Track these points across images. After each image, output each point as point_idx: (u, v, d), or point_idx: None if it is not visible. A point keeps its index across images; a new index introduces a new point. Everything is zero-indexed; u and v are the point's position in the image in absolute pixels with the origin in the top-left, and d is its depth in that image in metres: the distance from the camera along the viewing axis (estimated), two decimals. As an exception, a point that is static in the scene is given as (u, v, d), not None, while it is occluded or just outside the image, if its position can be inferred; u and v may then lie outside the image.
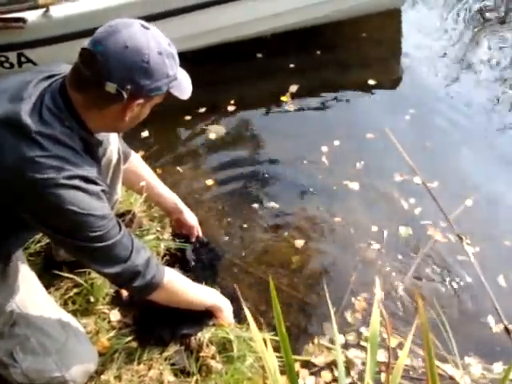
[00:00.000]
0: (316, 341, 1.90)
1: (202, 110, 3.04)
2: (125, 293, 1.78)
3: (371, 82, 3.25)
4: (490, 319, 2.00)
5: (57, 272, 1.74)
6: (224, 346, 1.67)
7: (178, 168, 2.66)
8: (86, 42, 1.17)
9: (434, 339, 1.77)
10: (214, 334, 1.66)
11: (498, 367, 1.83)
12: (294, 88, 3.17)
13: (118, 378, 1.57)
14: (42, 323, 1.42)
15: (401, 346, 1.86)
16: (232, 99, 3.10)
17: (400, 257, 2.22)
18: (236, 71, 3.31)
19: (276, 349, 1.17)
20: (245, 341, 1.68)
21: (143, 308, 1.69)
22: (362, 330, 1.93)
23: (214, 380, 1.60)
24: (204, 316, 1.66)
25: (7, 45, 2.71)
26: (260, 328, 1.42)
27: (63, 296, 1.74)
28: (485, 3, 4.05)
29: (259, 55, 3.42)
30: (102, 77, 1.14)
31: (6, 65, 2.79)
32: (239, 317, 1.74)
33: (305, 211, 2.43)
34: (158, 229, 2.05)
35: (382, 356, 1.76)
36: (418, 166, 2.59)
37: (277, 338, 1.11)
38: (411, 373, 1.81)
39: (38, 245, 1.85)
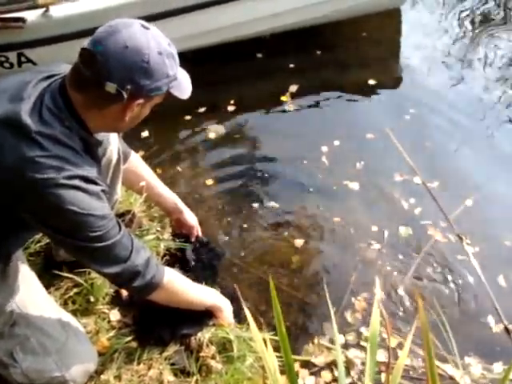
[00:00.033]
0: (316, 341, 1.90)
1: (202, 109, 3.04)
2: (125, 293, 1.78)
3: (371, 81, 3.25)
4: (490, 319, 2.00)
5: (57, 272, 1.74)
6: (224, 346, 1.67)
7: (178, 168, 2.66)
8: (85, 42, 1.17)
9: (434, 339, 1.77)
10: (214, 333, 1.66)
11: (498, 367, 1.83)
12: (293, 88, 3.17)
13: (118, 377, 1.57)
14: (41, 323, 1.42)
15: (401, 345, 1.86)
16: (232, 99, 3.10)
17: (400, 257, 2.22)
18: (236, 71, 3.31)
19: (276, 349, 1.17)
20: (245, 341, 1.68)
21: (143, 308, 1.69)
22: (362, 329, 1.93)
23: (214, 380, 1.60)
24: (204, 316, 1.66)
25: (7, 45, 2.71)
26: (260, 328, 1.42)
27: (63, 296, 1.74)
28: (485, 3, 4.05)
29: (259, 55, 3.42)
30: (101, 77, 1.14)
31: (6, 65, 2.79)
32: (239, 317, 1.74)
33: (305, 211, 2.43)
34: (158, 229, 2.05)
35: (381, 356, 1.76)
36: (418, 165, 2.59)
37: (277, 338, 1.11)
38: (411, 373, 1.81)
39: (38, 245, 1.84)
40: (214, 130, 2.90)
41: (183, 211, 1.95)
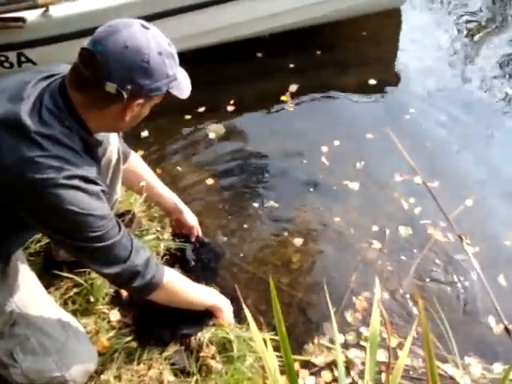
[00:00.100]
0: (316, 341, 1.90)
1: (202, 109, 3.04)
2: (124, 293, 1.78)
3: (371, 81, 3.25)
4: (490, 319, 2.00)
5: (57, 272, 1.74)
6: (224, 346, 1.67)
7: (178, 168, 2.66)
8: (85, 42, 1.17)
9: (434, 339, 1.77)
10: (214, 333, 1.66)
11: (498, 367, 1.83)
12: (293, 88, 3.17)
13: (118, 377, 1.57)
14: (41, 323, 1.42)
15: (401, 345, 1.86)
16: (231, 99, 3.10)
17: (400, 257, 2.22)
18: (235, 71, 3.31)
19: (276, 349, 1.17)
20: (245, 341, 1.68)
21: (143, 308, 1.69)
22: (362, 329, 1.93)
23: (214, 380, 1.60)
24: (204, 316, 1.66)
25: (7, 44, 2.71)
26: (260, 328, 1.42)
27: (63, 296, 1.74)
28: (484, 3, 4.05)
29: (258, 55, 3.42)
30: (101, 77, 1.14)
31: (6, 64, 2.79)
32: (239, 317, 1.74)
33: (305, 211, 2.43)
34: (158, 229, 2.05)
35: (382, 356, 1.76)
36: (418, 165, 2.59)
37: (277, 338, 1.11)
38: (411, 373, 1.81)
39: (38, 245, 1.84)
40: (214, 130, 2.90)
41: (183, 211, 1.95)
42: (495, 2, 4.06)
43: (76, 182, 1.17)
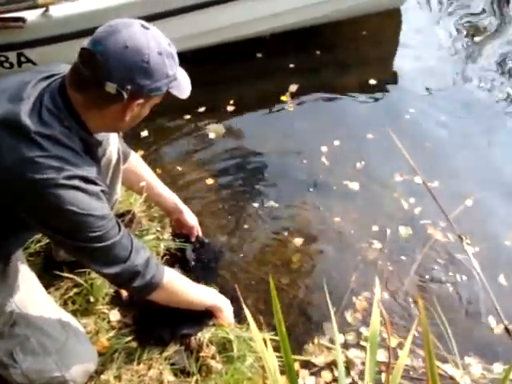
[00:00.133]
0: (316, 341, 1.90)
1: (202, 109, 3.04)
2: (124, 293, 1.78)
3: (371, 81, 3.25)
4: (491, 319, 2.00)
5: (57, 272, 1.74)
6: (224, 346, 1.67)
7: (178, 167, 2.66)
8: (85, 42, 1.17)
9: (434, 339, 1.77)
10: (214, 333, 1.66)
11: (498, 367, 1.83)
12: (293, 88, 3.16)
13: (118, 377, 1.57)
14: (41, 323, 1.42)
15: (401, 345, 1.86)
16: (231, 99, 3.10)
17: (400, 257, 2.22)
18: (235, 71, 3.31)
19: (276, 349, 1.17)
20: (245, 341, 1.68)
21: (143, 308, 1.69)
22: (362, 329, 1.93)
23: (214, 380, 1.60)
24: (204, 316, 1.66)
25: (7, 44, 2.71)
26: (260, 328, 1.42)
27: (63, 296, 1.75)
28: (484, 3, 4.05)
29: (259, 55, 3.42)
30: (101, 77, 1.14)
31: (6, 65, 2.79)
32: (239, 317, 1.74)
33: (305, 211, 2.43)
34: (158, 229, 2.05)
35: (382, 356, 1.76)
36: (418, 165, 2.59)
37: (277, 338, 1.11)
38: (411, 373, 1.81)
39: (38, 245, 1.85)
40: (214, 130, 2.90)
41: (183, 211, 1.95)
42: (495, 2, 4.05)
43: (76, 182, 1.17)
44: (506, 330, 1.96)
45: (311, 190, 2.54)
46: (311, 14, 3.22)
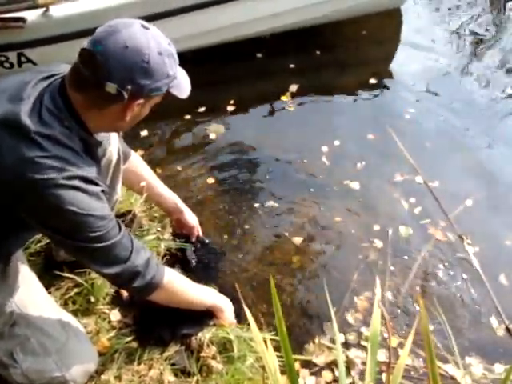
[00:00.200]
0: (316, 340, 1.90)
1: (202, 109, 3.04)
2: (125, 293, 1.78)
3: (371, 81, 3.25)
4: (491, 319, 2.00)
5: (57, 272, 1.73)
6: (224, 346, 1.67)
7: (178, 167, 2.66)
8: (85, 42, 1.17)
9: (434, 339, 1.77)
10: (215, 334, 1.66)
11: (500, 367, 1.83)
12: (293, 88, 3.16)
13: (118, 377, 1.57)
14: (42, 323, 1.42)
15: (402, 345, 1.86)
16: (232, 99, 3.10)
17: (401, 256, 2.22)
18: (235, 71, 3.31)
19: (276, 348, 1.17)
20: (245, 341, 1.67)
21: (143, 308, 1.69)
22: (363, 329, 1.93)
23: (215, 380, 1.60)
24: (204, 316, 1.66)
25: (7, 44, 2.70)
26: (260, 328, 1.41)
27: (63, 296, 1.74)
28: (485, 3, 4.05)
29: (259, 55, 3.42)
30: (102, 77, 1.14)
31: (6, 65, 2.79)
32: (239, 317, 1.74)
33: (305, 211, 2.43)
34: (159, 229, 2.05)
35: (382, 356, 1.76)
36: (418, 165, 2.59)
37: (277, 338, 1.11)
38: (412, 373, 1.81)
39: (39, 245, 1.84)
40: (214, 130, 2.90)
41: (183, 211, 1.95)
42: (495, 1, 4.05)
43: (76, 183, 1.17)
44: (507, 329, 1.96)
45: (311, 189, 2.53)
46: (311, 13, 3.22)
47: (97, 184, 1.23)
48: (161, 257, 1.95)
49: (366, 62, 3.46)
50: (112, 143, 1.58)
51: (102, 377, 1.56)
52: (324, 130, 2.89)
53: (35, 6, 2.61)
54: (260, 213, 2.41)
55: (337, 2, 3.25)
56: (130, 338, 1.65)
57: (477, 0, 4.08)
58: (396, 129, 2.77)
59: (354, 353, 1.85)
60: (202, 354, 1.62)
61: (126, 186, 1.87)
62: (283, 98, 3.11)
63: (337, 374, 1.77)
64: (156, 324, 1.65)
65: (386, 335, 1.76)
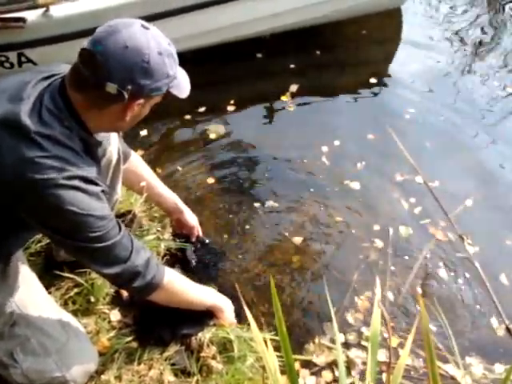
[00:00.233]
0: (317, 340, 1.90)
1: (202, 109, 3.04)
2: (125, 293, 1.78)
3: (371, 81, 3.25)
4: (492, 319, 2.00)
5: (57, 272, 1.73)
6: (225, 346, 1.66)
7: (178, 167, 2.66)
8: (85, 42, 1.17)
9: (435, 339, 1.77)
10: (215, 334, 1.66)
11: (500, 367, 1.83)
12: (294, 88, 3.16)
13: (119, 378, 1.57)
14: (42, 323, 1.42)
15: (402, 345, 1.85)
16: (232, 99, 3.10)
17: (401, 256, 2.22)
18: (235, 71, 3.31)
19: (276, 348, 1.17)
20: (245, 341, 1.67)
21: (143, 308, 1.69)
22: (363, 329, 1.93)
23: (215, 380, 1.60)
24: (204, 316, 1.66)
25: (7, 44, 2.70)
26: (260, 328, 1.41)
27: (63, 296, 1.74)
28: (486, 3, 4.05)
29: (259, 55, 3.42)
30: (102, 77, 1.14)
31: (6, 65, 2.79)
32: (240, 316, 1.74)
33: (305, 211, 2.43)
34: (159, 229, 2.05)
35: (382, 356, 1.76)
36: (418, 165, 2.59)
37: (277, 338, 1.11)
38: (412, 373, 1.81)
39: (39, 245, 1.84)
40: (214, 130, 2.90)
41: (183, 211, 1.95)
42: (495, 1, 4.05)
43: (76, 183, 1.17)
44: (508, 329, 1.96)
45: (311, 189, 2.53)
46: (311, 13, 3.22)
47: (97, 184, 1.23)
48: (161, 257, 1.95)
49: (366, 61, 3.46)
50: (112, 143, 1.58)
51: (102, 377, 1.56)
52: (324, 130, 2.89)
53: (35, 6, 2.61)
54: (260, 213, 2.41)
55: (337, 2, 3.25)
56: (129, 338, 1.64)
57: (477, 0, 4.08)
58: (396, 129, 2.77)
59: (354, 353, 1.85)
60: (202, 354, 1.62)
61: (126, 185, 1.87)
62: (283, 98, 3.11)
63: (337, 374, 1.77)
64: (156, 324, 1.65)
65: (386, 335, 1.76)
